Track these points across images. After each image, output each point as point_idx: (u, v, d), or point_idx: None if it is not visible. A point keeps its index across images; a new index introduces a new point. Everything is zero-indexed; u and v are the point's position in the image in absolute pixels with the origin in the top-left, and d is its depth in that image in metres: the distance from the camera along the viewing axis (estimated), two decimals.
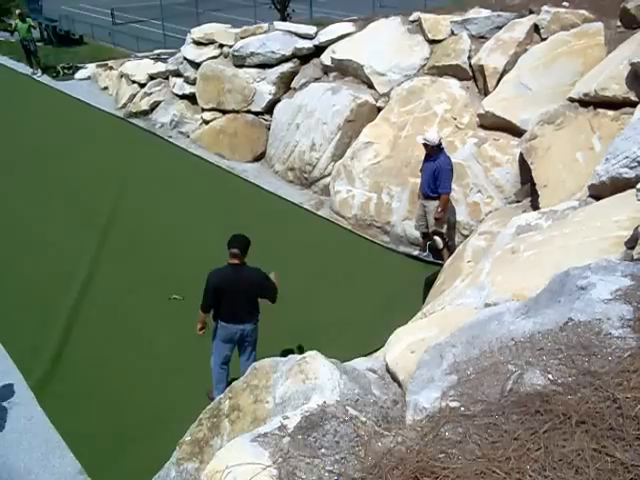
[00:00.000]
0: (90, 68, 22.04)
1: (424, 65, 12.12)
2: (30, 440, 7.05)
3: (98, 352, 8.37)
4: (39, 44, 23.91)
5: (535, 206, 8.46)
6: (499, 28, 11.62)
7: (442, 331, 3.82)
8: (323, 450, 2.78)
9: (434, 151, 9.40)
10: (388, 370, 4.07)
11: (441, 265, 9.24)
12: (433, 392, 2.84)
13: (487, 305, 4.37)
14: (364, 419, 2.91)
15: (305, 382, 3.58)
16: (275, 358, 4.34)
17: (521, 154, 9.40)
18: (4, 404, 7.59)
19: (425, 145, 9.46)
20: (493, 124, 10.22)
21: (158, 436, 6.91)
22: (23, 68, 23.30)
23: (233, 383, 4.27)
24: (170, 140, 15.55)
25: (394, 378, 3.94)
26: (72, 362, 8.23)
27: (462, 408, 2.69)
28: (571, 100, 9.09)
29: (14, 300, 9.50)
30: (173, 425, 6.96)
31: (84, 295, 9.56)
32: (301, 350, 7.95)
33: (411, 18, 13.03)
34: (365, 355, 6.92)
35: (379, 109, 12.12)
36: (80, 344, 8.55)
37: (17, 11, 23.61)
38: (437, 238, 9.92)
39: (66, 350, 8.44)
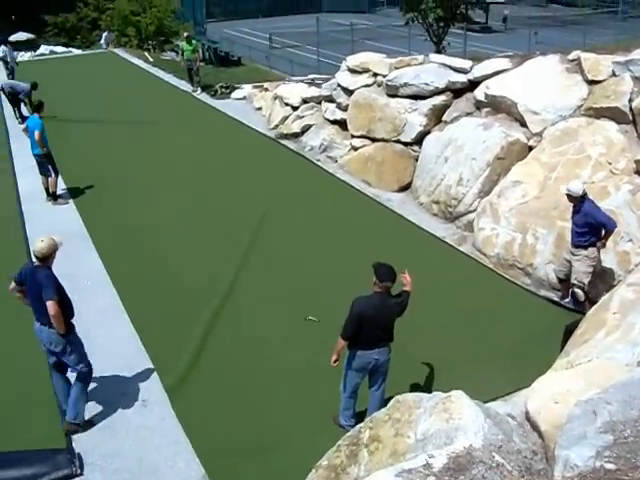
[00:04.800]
0: (246, 89, 22.90)
1: (581, 106, 11.79)
2: (160, 439, 7.37)
3: (231, 363, 8.66)
4: (201, 64, 25.06)
5: None
6: None
7: (590, 385, 3.72)
8: None
9: (577, 202, 9.14)
10: (528, 418, 3.99)
11: (582, 314, 8.94)
12: (586, 450, 2.76)
13: None
14: (510, 468, 2.88)
15: (449, 421, 3.56)
16: (419, 394, 4.32)
17: None
18: (140, 402, 7.97)
19: (568, 196, 9.21)
20: None
21: (282, 453, 7.11)
22: (185, 86, 24.51)
23: (375, 413, 4.29)
24: (318, 164, 15.88)
25: (534, 427, 3.85)
26: (206, 370, 8.54)
27: (619, 472, 2.60)
28: None
29: (160, 307, 9.98)
30: (297, 444, 7.17)
31: (223, 307, 9.92)
32: (430, 385, 7.92)
33: (570, 57, 12.75)
34: (496, 398, 6.81)
35: (530, 148, 11.90)
36: (215, 353, 8.87)
37: (185, 34, 24.87)
38: (578, 290, 9.57)
39: (201, 358, 8.77)
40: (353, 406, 7.30)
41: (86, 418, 7.63)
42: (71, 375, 7.72)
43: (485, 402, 4.52)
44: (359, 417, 7.24)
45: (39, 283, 7.01)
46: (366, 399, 7.30)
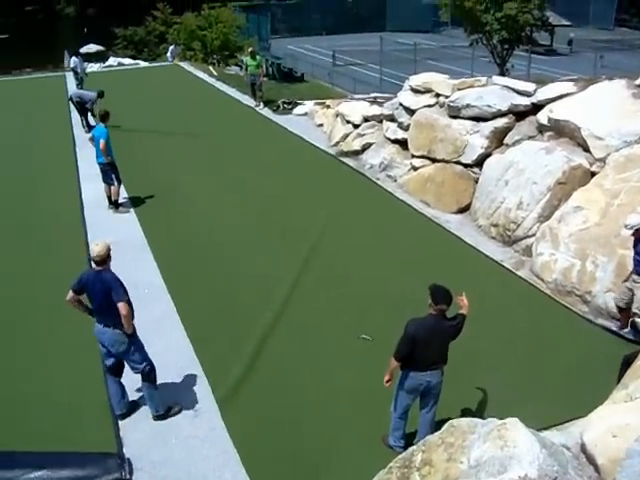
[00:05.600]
0: (308, 105, 23.09)
1: None
2: (209, 449, 7.48)
3: (283, 377, 8.72)
4: (264, 79, 25.36)
5: None
6: None
7: None
8: None
9: None
10: (584, 450, 3.92)
11: None
12: None
13: None
14: None
15: (503, 449, 3.53)
16: (473, 419, 4.30)
17: None
18: (191, 411, 8.09)
19: (636, 231, 9.07)
20: None
21: (330, 470, 7.14)
22: (247, 100, 24.87)
23: (428, 437, 4.29)
24: (377, 182, 15.89)
25: (590, 460, 3.79)
26: (258, 382, 8.61)
27: None
28: None
29: (215, 318, 10.13)
30: (346, 462, 7.22)
31: (279, 320, 10.00)
32: (482, 410, 7.83)
33: (637, 82, 12.54)
34: (550, 427, 6.70)
35: (593, 174, 11.71)
36: (268, 366, 8.94)
37: (249, 49, 25.21)
38: (639, 320, 9.38)
39: (254, 370, 8.85)
40: (403, 427, 7.28)
41: (139, 422, 7.87)
42: (126, 380, 7.92)
43: (538, 430, 4.46)
44: (409, 438, 7.25)
45: (107, 285, 7.26)
46: (416, 420, 7.26)
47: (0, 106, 26.81)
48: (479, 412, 7.70)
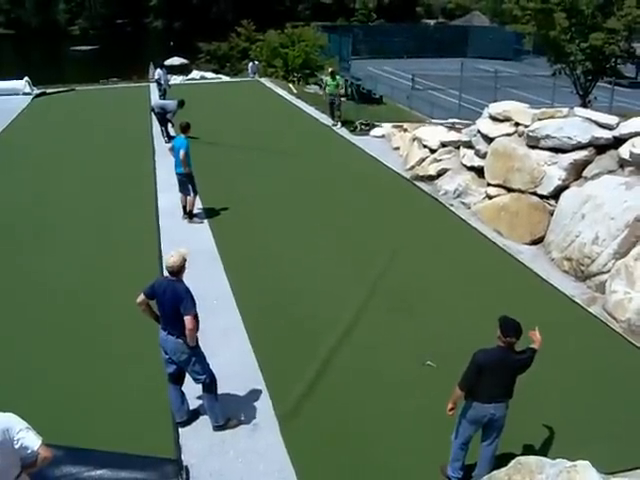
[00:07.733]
0: (385, 127, 23.13)
1: None
2: (267, 465, 7.48)
3: (345, 398, 8.70)
4: (342, 99, 25.58)
5: None
6: None
7: None
8: None
9: None
10: None
11: None
12: None
13: None
14: None
15: None
16: (542, 458, 4.23)
17: None
18: (251, 425, 8.12)
19: None
20: None
21: None
22: (325, 119, 25.14)
23: (494, 472, 4.23)
24: (451, 208, 15.81)
25: None
26: (319, 402, 8.61)
27: None
28: None
29: (281, 333, 10.19)
30: None
31: (344, 342, 9.99)
32: (546, 449, 7.66)
33: None
34: (617, 472, 6.52)
35: None
36: (330, 387, 8.92)
37: (329, 69, 25.47)
38: None
39: (316, 389, 8.86)
40: (463, 458, 7.16)
41: (199, 431, 8.00)
42: (189, 388, 8.06)
43: (607, 474, 4.35)
44: (468, 470, 7.14)
45: (178, 296, 7.34)
46: (477, 452, 7.15)
47: (86, 114, 27.76)
48: (544, 450, 7.53)
